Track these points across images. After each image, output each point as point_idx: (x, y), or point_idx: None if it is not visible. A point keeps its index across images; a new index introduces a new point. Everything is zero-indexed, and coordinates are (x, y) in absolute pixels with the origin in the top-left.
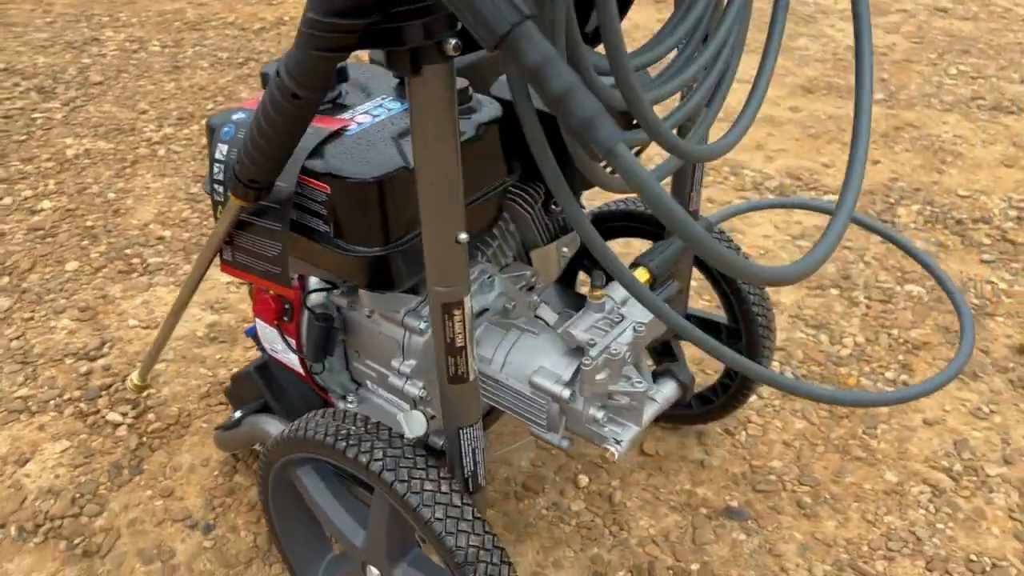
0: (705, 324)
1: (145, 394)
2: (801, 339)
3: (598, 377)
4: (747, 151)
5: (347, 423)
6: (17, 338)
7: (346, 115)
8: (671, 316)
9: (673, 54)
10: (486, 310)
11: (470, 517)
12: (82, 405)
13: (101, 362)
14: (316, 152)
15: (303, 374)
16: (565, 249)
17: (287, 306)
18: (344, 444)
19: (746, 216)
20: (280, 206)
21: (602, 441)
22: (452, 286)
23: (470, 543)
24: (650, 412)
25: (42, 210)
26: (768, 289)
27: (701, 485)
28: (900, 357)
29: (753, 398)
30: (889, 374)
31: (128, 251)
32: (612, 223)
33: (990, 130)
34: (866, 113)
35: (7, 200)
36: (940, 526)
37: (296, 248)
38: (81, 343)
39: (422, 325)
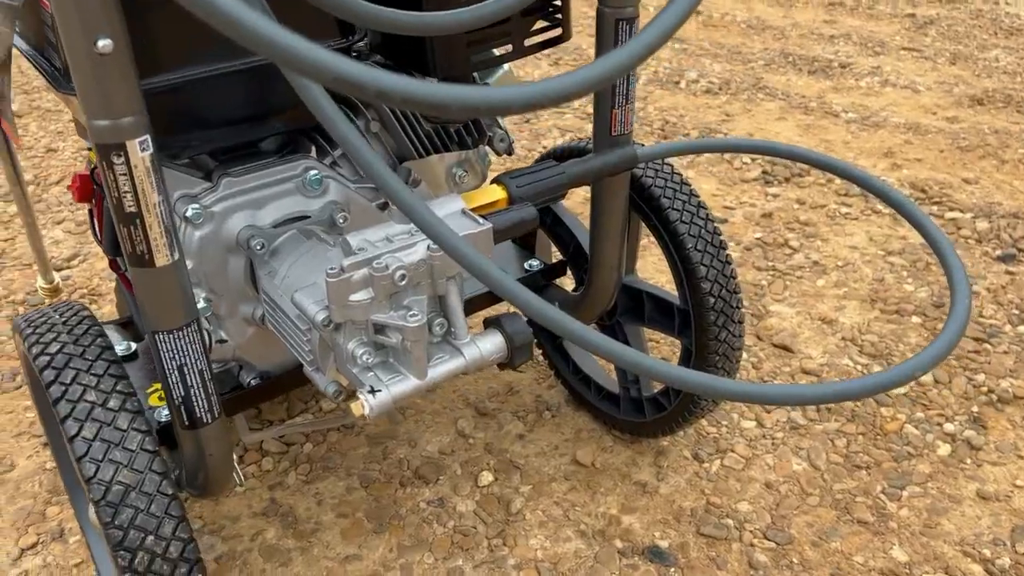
0: (656, 303)
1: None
2: (846, 367)
3: (354, 297)
4: (871, 156)
5: (57, 313)
6: (7, 240)
7: None
8: (447, 236)
9: None
10: (306, 217)
11: (132, 447)
12: (20, 308)
13: (64, 272)
14: None
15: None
16: (461, 171)
17: (96, 185)
18: (30, 331)
19: (836, 222)
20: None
21: (360, 388)
22: (106, 119)
23: (118, 478)
24: (448, 366)
25: None
26: (825, 305)
27: (631, 513)
28: (975, 408)
29: (749, 424)
30: (950, 426)
31: None
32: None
33: None
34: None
35: None
36: None
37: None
38: (57, 252)
39: (190, 211)
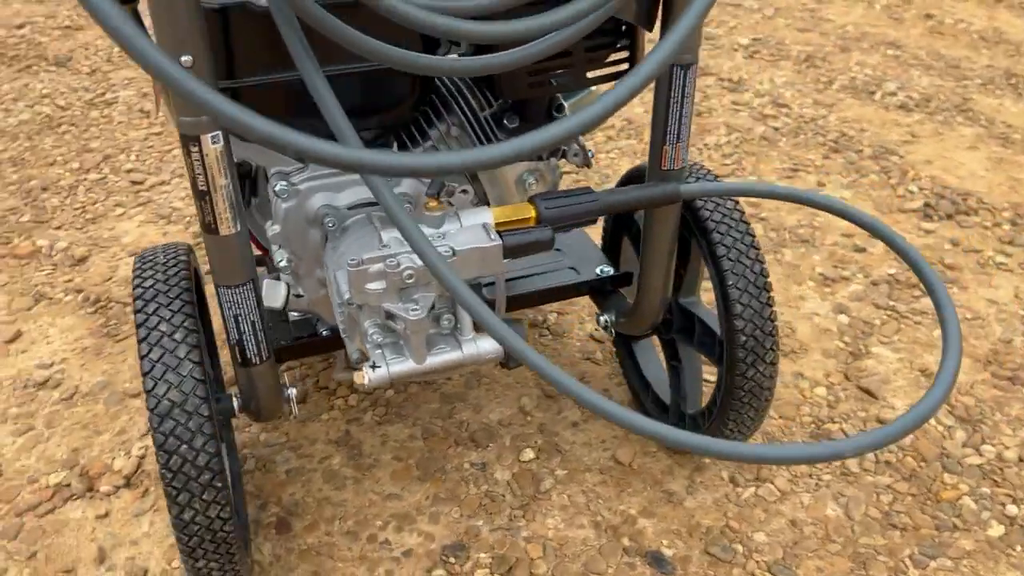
0: (704, 329)
1: None
2: (927, 426)
3: (369, 286)
4: None
5: (163, 253)
6: None
7: None
8: (434, 261)
9: None
10: (375, 204)
11: (183, 373)
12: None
13: None
14: None
15: None
16: (531, 180)
17: None
18: (139, 263)
19: (985, 271)
20: None
21: (367, 361)
22: (188, 116)
23: (168, 395)
24: (445, 357)
25: None
26: (933, 357)
27: (649, 517)
28: None
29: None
30: (1013, 509)
31: None
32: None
33: None
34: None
35: None
36: None
37: None
38: None
39: (278, 187)
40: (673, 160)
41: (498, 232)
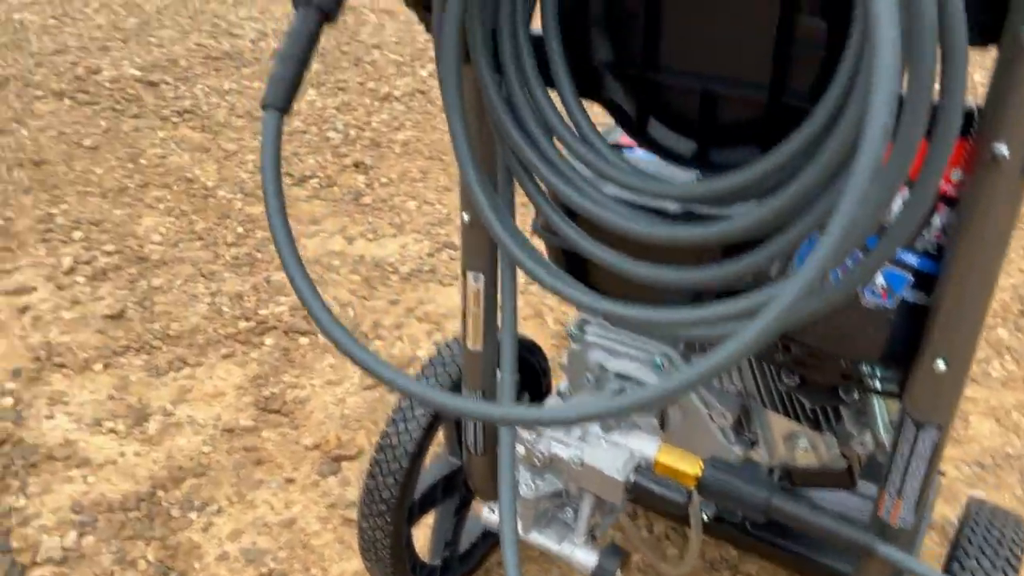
0: None
1: None
2: None
3: (517, 447)
4: None
5: None
6: None
7: None
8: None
9: None
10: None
11: (411, 430)
12: None
13: None
14: None
15: None
16: (803, 443)
17: None
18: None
19: None
20: None
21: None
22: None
23: (391, 440)
24: (544, 541)
25: None
26: None
27: None
28: None
29: None
30: None
31: None
32: None
33: None
34: None
35: None
36: None
37: None
38: None
39: (573, 329)
40: (889, 513)
41: (644, 470)
